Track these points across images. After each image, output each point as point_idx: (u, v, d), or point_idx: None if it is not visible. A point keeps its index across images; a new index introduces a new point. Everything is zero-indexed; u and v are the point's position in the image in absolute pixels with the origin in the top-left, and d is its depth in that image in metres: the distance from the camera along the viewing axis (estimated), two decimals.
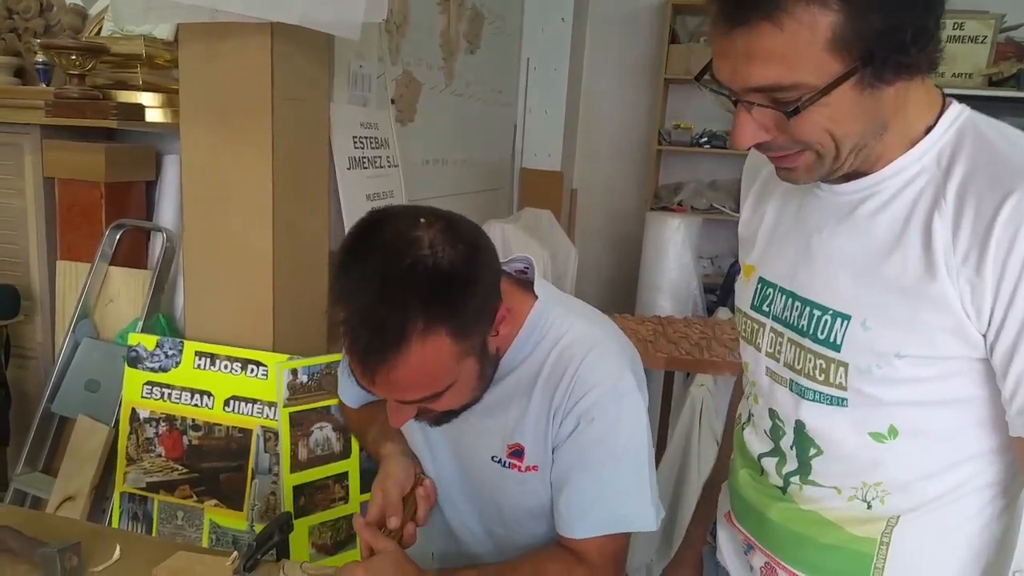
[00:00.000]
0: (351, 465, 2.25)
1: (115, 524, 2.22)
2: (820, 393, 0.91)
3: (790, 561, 0.98)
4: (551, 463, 1.08)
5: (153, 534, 2.18)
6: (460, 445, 1.14)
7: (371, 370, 0.92)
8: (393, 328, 0.89)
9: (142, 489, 2.24)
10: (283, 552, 1.21)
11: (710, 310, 3.82)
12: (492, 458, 1.10)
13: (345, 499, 2.25)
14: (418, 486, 1.11)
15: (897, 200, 0.86)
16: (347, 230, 0.99)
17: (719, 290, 4.07)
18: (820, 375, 0.91)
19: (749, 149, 0.89)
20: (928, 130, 0.85)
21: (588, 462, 1.05)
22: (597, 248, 4.81)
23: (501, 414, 1.09)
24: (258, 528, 2.12)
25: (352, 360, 0.94)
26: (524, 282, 1.13)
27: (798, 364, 0.93)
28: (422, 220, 0.93)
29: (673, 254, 3.54)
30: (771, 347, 0.98)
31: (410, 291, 0.90)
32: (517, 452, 1.09)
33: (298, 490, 2.16)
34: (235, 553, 1.14)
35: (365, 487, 2.27)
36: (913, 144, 0.85)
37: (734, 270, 4.07)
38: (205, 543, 2.15)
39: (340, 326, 0.94)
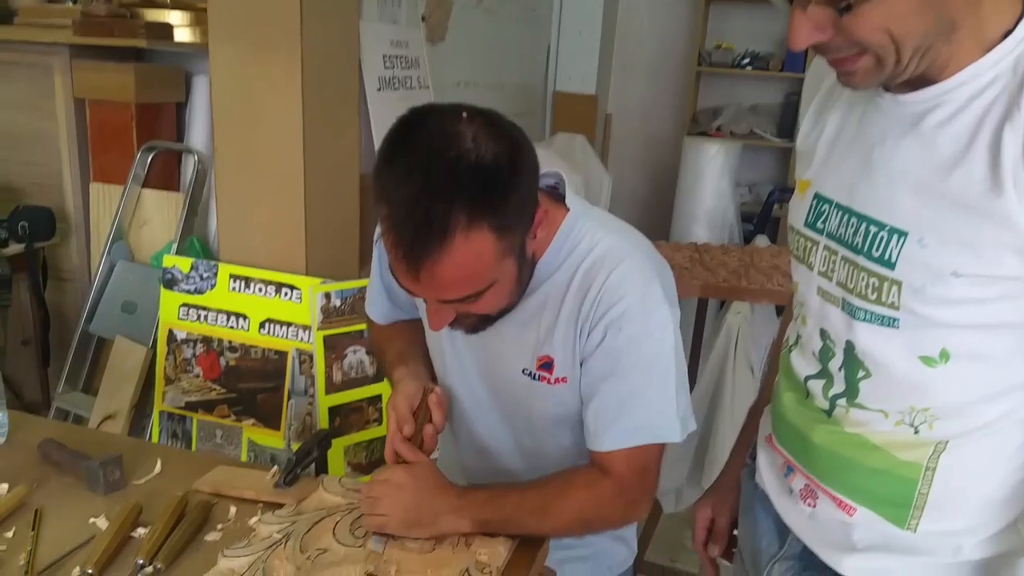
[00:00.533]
0: (384, 388, 2.27)
1: (155, 441, 2.28)
2: (872, 313, 0.88)
3: (831, 484, 0.96)
4: (580, 375, 1.08)
5: (192, 451, 2.23)
6: (490, 359, 1.14)
7: (414, 266, 0.90)
8: (437, 223, 0.88)
9: (181, 408, 2.29)
10: (322, 468, 1.23)
11: (747, 239, 3.74)
12: (522, 371, 1.10)
13: (379, 421, 2.28)
14: (428, 395, 1.11)
15: (966, 111, 0.80)
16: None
17: (756, 219, 3.98)
18: (872, 294, 0.87)
19: (805, 67, 0.83)
20: (1006, 35, 0.79)
21: (614, 373, 1.05)
22: (632, 175, 4.72)
23: (532, 326, 1.08)
24: (295, 447, 2.16)
25: (395, 257, 0.92)
26: (556, 195, 1.11)
27: (851, 283, 0.90)
28: (464, 115, 0.91)
29: (710, 181, 3.45)
30: (824, 266, 0.94)
31: (454, 185, 0.88)
32: (547, 364, 1.08)
33: (333, 411, 2.19)
34: (275, 468, 1.15)
35: None
36: (988, 50, 0.79)
37: (772, 198, 3.98)
38: (244, 460, 2.20)
39: (382, 223, 0.92)
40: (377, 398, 2.27)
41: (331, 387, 2.18)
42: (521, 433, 1.17)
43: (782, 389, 1.05)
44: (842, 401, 0.95)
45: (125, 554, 0.98)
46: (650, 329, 1.04)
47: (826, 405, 0.96)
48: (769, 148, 4.41)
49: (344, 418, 2.21)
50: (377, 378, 2.26)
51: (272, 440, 2.22)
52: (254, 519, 1.05)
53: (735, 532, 1.23)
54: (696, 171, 3.53)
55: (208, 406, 2.26)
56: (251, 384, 2.23)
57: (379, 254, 1.25)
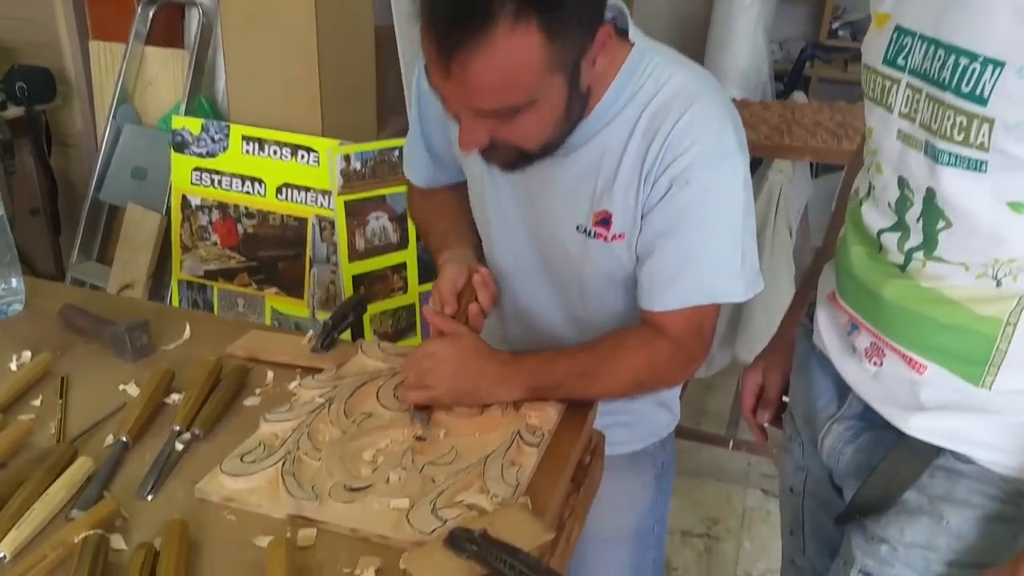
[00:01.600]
0: (409, 256, 2.22)
1: None
2: (957, 156, 0.80)
3: (901, 341, 0.91)
4: (639, 231, 0.99)
5: None
6: (539, 218, 1.05)
7: (449, 54, 0.80)
8: (480, 5, 0.78)
9: (200, 277, 2.24)
10: (358, 333, 1.18)
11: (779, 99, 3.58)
12: (577, 228, 1.01)
13: (404, 289, 2.23)
14: (472, 275, 1.04)
15: None
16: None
17: (787, 78, 3.79)
18: (959, 134, 0.79)
19: None
20: None
21: (677, 229, 0.96)
22: (657, 31, 4.43)
23: (588, 178, 0.99)
24: (320, 316, 2.13)
25: (427, 42, 0.82)
26: (617, 30, 0.98)
27: (935, 124, 0.82)
28: None
29: (744, 35, 3.24)
30: (906, 106, 0.86)
31: None
32: (604, 220, 0.99)
33: (357, 280, 2.14)
34: (311, 332, 1.10)
35: (424, 278, 2.25)
36: None
37: (804, 55, 3.78)
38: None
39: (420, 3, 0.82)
40: (402, 266, 2.22)
41: (354, 254, 2.12)
42: (571, 298, 1.09)
43: (850, 243, 0.98)
44: (919, 254, 0.88)
45: (160, 421, 0.95)
46: (719, 181, 0.95)
47: (900, 259, 0.90)
48: (801, 1, 4.15)
49: (369, 286, 2.16)
50: (401, 245, 2.20)
51: (296, 309, 2.19)
52: (293, 384, 1.01)
53: (784, 399, 1.19)
54: (728, 23, 3.31)
55: (228, 274, 2.22)
56: (271, 252, 2.18)
57: (417, 98, 1.14)
